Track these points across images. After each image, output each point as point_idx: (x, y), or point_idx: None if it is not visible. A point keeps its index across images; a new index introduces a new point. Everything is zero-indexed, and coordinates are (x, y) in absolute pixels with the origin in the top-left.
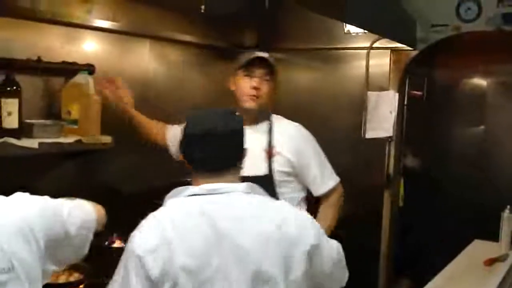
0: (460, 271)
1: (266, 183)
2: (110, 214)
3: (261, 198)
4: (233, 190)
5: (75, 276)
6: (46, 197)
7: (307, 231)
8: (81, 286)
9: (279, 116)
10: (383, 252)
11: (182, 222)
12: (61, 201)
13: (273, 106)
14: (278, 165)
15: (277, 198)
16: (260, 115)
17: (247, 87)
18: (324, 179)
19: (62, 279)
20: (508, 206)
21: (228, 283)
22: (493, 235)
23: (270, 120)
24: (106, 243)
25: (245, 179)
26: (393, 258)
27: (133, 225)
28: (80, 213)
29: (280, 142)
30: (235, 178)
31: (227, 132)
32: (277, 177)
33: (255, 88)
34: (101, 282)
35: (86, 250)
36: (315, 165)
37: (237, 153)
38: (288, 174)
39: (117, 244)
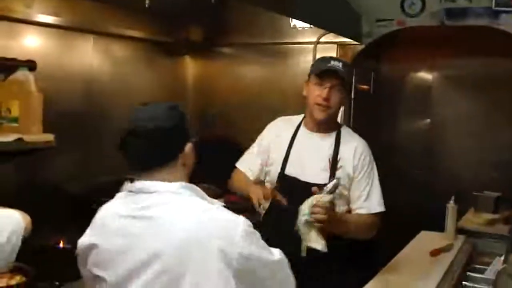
0: (407, 262)
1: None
2: (54, 214)
3: (189, 200)
4: (163, 190)
5: (16, 279)
6: None
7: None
8: None
9: (349, 129)
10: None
11: (108, 224)
12: None
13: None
14: (342, 176)
15: None
16: (329, 125)
17: (317, 96)
18: (368, 202)
19: (2, 283)
20: (453, 197)
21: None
22: (440, 226)
23: (339, 131)
24: (51, 243)
25: (299, 183)
26: (342, 251)
27: (77, 224)
28: (9, 221)
29: (346, 156)
30: (173, 177)
31: (157, 128)
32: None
33: (326, 98)
34: (47, 285)
35: (14, 256)
36: (366, 184)
37: (171, 150)
38: (344, 187)
39: (61, 244)
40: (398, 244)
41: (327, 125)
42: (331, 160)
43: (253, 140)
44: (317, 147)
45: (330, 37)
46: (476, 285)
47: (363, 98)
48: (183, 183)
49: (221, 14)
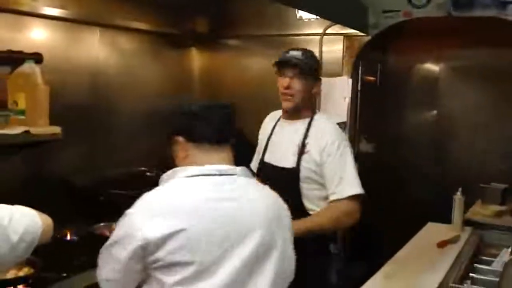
0: (414, 254)
1: (292, 176)
2: (60, 206)
3: (254, 181)
4: (234, 173)
5: (24, 271)
6: None
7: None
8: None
9: (324, 116)
10: (338, 236)
11: (198, 207)
12: (2, 207)
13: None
14: (305, 162)
15: (299, 192)
16: (300, 113)
17: (280, 85)
18: (340, 187)
19: (10, 275)
20: (460, 189)
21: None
22: (447, 218)
23: (312, 117)
24: (58, 235)
25: (273, 168)
26: (349, 242)
27: (83, 217)
28: (22, 220)
29: (313, 141)
30: (230, 157)
31: (226, 107)
32: (303, 172)
33: (286, 87)
34: (55, 277)
35: (28, 255)
36: (337, 170)
37: (233, 129)
38: (313, 172)
39: (68, 236)
40: (405, 236)
41: (297, 113)
42: (299, 145)
43: (258, 132)
44: (288, 134)
45: (337, 28)
46: (483, 277)
47: (370, 90)
48: (243, 167)
49: (227, 6)
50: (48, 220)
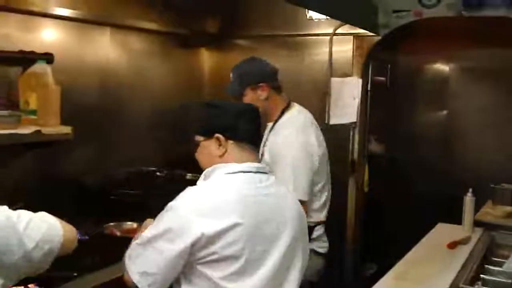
0: (424, 255)
1: None
2: (71, 205)
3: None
4: (267, 171)
5: None
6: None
7: None
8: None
9: (287, 118)
10: (348, 237)
11: (248, 203)
12: (19, 213)
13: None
14: (262, 162)
15: None
16: (267, 117)
17: None
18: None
19: None
20: (470, 190)
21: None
22: (457, 219)
23: (276, 121)
24: None
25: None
26: (359, 243)
27: (93, 216)
28: (41, 226)
29: (267, 147)
30: (259, 156)
31: (258, 110)
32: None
33: None
34: (65, 275)
35: (47, 265)
36: (281, 172)
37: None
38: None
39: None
40: (415, 236)
41: (266, 118)
42: (261, 148)
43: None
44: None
45: (346, 28)
46: (494, 278)
47: (380, 90)
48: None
49: (237, 6)
50: (71, 231)
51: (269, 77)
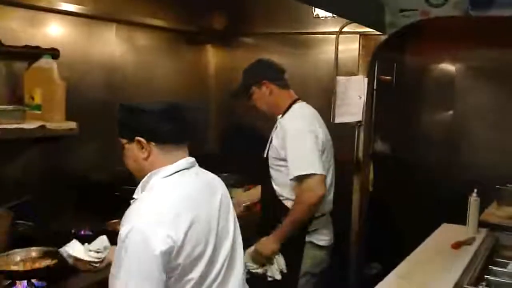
0: (428, 255)
1: (264, 165)
2: (76, 201)
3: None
4: (195, 165)
5: (47, 262)
6: None
7: None
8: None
9: (294, 111)
10: (353, 237)
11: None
12: None
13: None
14: (270, 151)
15: (270, 179)
16: (275, 112)
17: None
18: (294, 166)
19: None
20: (475, 190)
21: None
22: (461, 219)
23: (283, 114)
24: (73, 231)
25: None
26: (363, 242)
27: (98, 211)
28: None
29: (276, 134)
30: (187, 152)
31: (188, 107)
32: (270, 161)
33: (254, 107)
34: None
35: None
36: (291, 151)
37: (192, 129)
38: (276, 158)
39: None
40: (419, 236)
41: (270, 114)
42: (270, 139)
43: (272, 127)
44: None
45: (353, 27)
46: (498, 279)
47: (386, 89)
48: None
49: (244, 3)
50: None
51: (272, 75)
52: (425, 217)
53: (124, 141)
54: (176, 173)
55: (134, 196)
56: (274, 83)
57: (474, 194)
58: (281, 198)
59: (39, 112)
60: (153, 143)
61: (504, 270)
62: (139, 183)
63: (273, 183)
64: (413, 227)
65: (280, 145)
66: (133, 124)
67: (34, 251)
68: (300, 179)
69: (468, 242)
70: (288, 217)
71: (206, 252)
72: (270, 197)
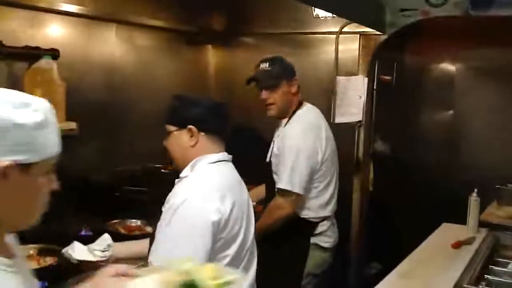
0: (428, 254)
1: (268, 169)
2: (76, 201)
3: None
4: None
5: (47, 260)
6: None
7: None
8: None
9: (299, 115)
10: (353, 236)
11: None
12: None
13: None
14: (273, 157)
15: (274, 183)
16: (284, 115)
17: (261, 98)
18: (279, 177)
19: (35, 265)
20: (476, 190)
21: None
22: (461, 219)
23: (290, 117)
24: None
25: (264, 162)
26: (364, 242)
27: (98, 212)
28: None
29: (277, 140)
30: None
31: (227, 106)
32: (272, 166)
33: (264, 100)
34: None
35: None
36: (283, 163)
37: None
38: (276, 165)
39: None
40: (419, 236)
41: (281, 117)
42: (272, 144)
43: (273, 130)
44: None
45: (353, 27)
46: (498, 279)
47: (386, 89)
48: None
49: (243, 3)
50: None
51: (295, 74)
52: (425, 217)
53: (173, 128)
54: (219, 162)
55: (182, 175)
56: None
57: (474, 194)
58: None
59: None
60: (202, 133)
61: (505, 269)
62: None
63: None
64: (413, 227)
65: (279, 153)
66: (187, 113)
67: (31, 249)
68: (279, 192)
69: (469, 241)
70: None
71: (241, 232)
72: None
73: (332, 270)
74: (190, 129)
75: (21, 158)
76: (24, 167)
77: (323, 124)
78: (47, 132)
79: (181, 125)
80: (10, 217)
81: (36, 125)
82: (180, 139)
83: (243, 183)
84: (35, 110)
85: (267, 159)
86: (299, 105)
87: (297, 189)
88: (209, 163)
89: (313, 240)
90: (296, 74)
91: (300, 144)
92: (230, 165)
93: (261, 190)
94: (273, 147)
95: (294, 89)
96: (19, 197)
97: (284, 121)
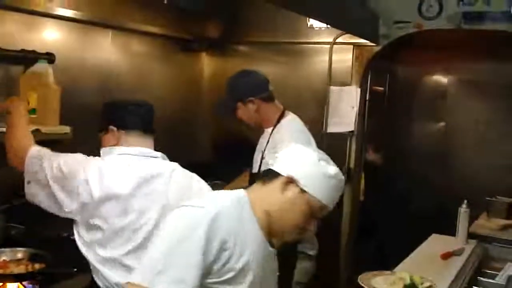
0: (417, 264)
1: (257, 179)
2: None
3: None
4: (157, 156)
5: (36, 266)
6: None
7: None
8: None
9: (285, 122)
10: (343, 245)
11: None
12: None
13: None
14: (264, 167)
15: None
16: (262, 125)
17: None
18: None
19: (22, 270)
20: (465, 201)
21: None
22: (451, 230)
23: (275, 126)
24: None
25: (249, 173)
26: (353, 251)
27: None
28: None
29: (269, 150)
30: (153, 145)
31: (150, 105)
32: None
33: (240, 120)
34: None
35: None
36: None
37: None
38: None
39: None
40: (409, 246)
41: (258, 127)
42: (262, 153)
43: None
44: (259, 143)
45: (347, 37)
46: None
47: (378, 100)
48: (162, 154)
49: (239, 12)
50: None
51: (258, 91)
52: (415, 227)
53: (101, 134)
54: (129, 155)
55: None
56: (260, 98)
57: (464, 205)
58: None
59: (34, 116)
60: (122, 131)
61: (493, 281)
62: None
63: None
64: (403, 237)
65: (272, 159)
66: (110, 116)
67: (20, 252)
68: None
69: (458, 252)
70: None
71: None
72: None
73: (321, 278)
74: (112, 130)
75: (303, 182)
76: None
77: (307, 134)
78: (338, 186)
79: (105, 129)
80: (275, 216)
81: (330, 175)
82: (107, 141)
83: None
84: (333, 168)
85: (255, 170)
86: (282, 114)
87: None
88: (118, 154)
89: (299, 248)
90: (258, 91)
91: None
92: (151, 160)
93: (243, 179)
94: (262, 158)
95: (253, 108)
96: (287, 205)
97: (269, 130)
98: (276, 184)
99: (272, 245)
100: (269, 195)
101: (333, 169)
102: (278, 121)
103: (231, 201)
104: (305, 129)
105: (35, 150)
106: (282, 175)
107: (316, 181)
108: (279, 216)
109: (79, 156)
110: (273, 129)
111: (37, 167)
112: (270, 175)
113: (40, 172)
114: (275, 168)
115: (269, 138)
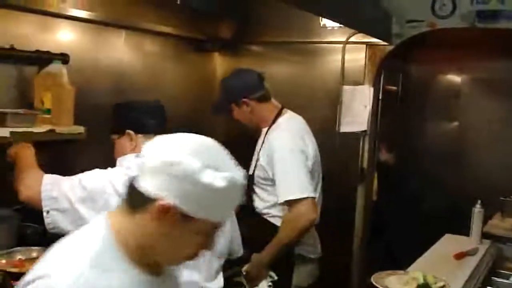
0: (431, 264)
1: (248, 182)
2: None
3: None
4: None
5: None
6: None
7: None
8: None
9: (281, 122)
10: (356, 245)
11: None
12: None
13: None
14: (257, 170)
15: (251, 197)
16: (258, 125)
17: None
18: (284, 189)
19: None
20: (479, 201)
21: None
22: (465, 230)
23: (270, 126)
24: None
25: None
26: (367, 251)
27: None
28: None
29: (263, 151)
30: None
31: (162, 106)
32: (255, 179)
33: (236, 120)
34: None
35: None
36: (280, 173)
37: None
38: (264, 179)
39: None
40: (421, 246)
41: (255, 127)
42: (256, 155)
43: None
44: (257, 143)
45: (359, 37)
46: None
47: (391, 99)
48: None
49: (251, 12)
50: None
51: (250, 91)
52: (428, 227)
53: (115, 136)
54: None
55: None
56: (254, 99)
57: (478, 205)
58: (267, 216)
59: (48, 116)
60: (140, 135)
61: (507, 281)
62: None
63: (257, 200)
64: (415, 237)
65: (267, 164)
66: (124, 119)
67: (35, 251)
68: (290, 203)
69: (471, 252)
70: (276, 238)
71: None
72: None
73: (333, 279)
74: (128, 134)
75: (185, 208)
76: (186, 217)
77: (307, 130)
78: (226, 199)
79: (121, 132)
80: (154, 250)
81: (219, 189)
82: (123, 145)
83: None
84: (223, 178)
85: (250, 172)
86: (279, 113)
87: (311, 192)
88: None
89: (297, 250)
90: (251, 92)
91: (290, 144)
92: None
93: None
94: (257, 160)
95: (248, 109)
96: (169, 238)
97: (265, 129)
98: (149, 210)
99: (158, 273)
100: (140, 227)
101: (222, 177)
102: (275, 120)
103: (90, 260)
104: (304, 128)
105: (49, 176)
106: (152, 199)
107: (201, 199)
108: (159, 251)
109: (95, 171)
110: (268, 129)
111: (56, 193)
112: (138, 197)
113: (60, 197)
114: (142, 187)
115: (264, 138)
